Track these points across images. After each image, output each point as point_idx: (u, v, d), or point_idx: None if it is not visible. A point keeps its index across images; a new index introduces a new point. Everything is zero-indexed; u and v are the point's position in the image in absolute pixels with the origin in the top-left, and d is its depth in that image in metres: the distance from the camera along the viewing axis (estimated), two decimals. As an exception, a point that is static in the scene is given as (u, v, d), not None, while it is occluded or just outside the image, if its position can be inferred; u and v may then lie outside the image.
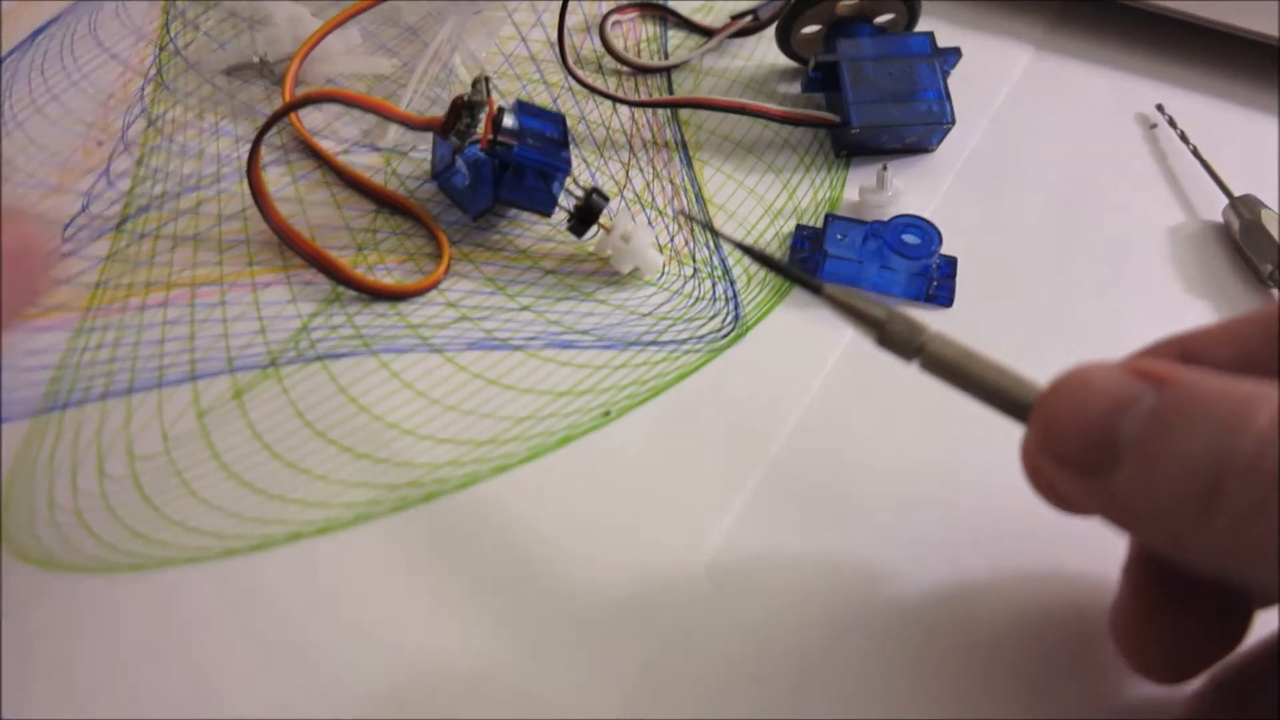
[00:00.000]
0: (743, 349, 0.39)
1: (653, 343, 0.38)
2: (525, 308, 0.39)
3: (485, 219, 0.42)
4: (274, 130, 0.45)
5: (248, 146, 0.39)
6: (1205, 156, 0.46)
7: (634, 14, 0.52)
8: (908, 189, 0.44)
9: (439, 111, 0.38)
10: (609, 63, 0.49)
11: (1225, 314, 0.41)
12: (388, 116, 0.39)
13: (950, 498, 0.34)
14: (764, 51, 0.51)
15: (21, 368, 0.37)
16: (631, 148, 0.46)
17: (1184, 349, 0.26)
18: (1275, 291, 0.41)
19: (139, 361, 0.37)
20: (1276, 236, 0.41)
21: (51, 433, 0.35)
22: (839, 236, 0.40)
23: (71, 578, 0.32)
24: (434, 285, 0.40)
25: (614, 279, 0.40)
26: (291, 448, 0.35)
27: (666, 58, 0.50)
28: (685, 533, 0.33)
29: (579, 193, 0.39)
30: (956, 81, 0.47)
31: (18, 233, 0.26)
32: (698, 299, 0.40)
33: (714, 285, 0.40)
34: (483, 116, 0.37)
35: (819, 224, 0.42)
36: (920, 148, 0.46)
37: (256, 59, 0.47)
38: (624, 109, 0.47)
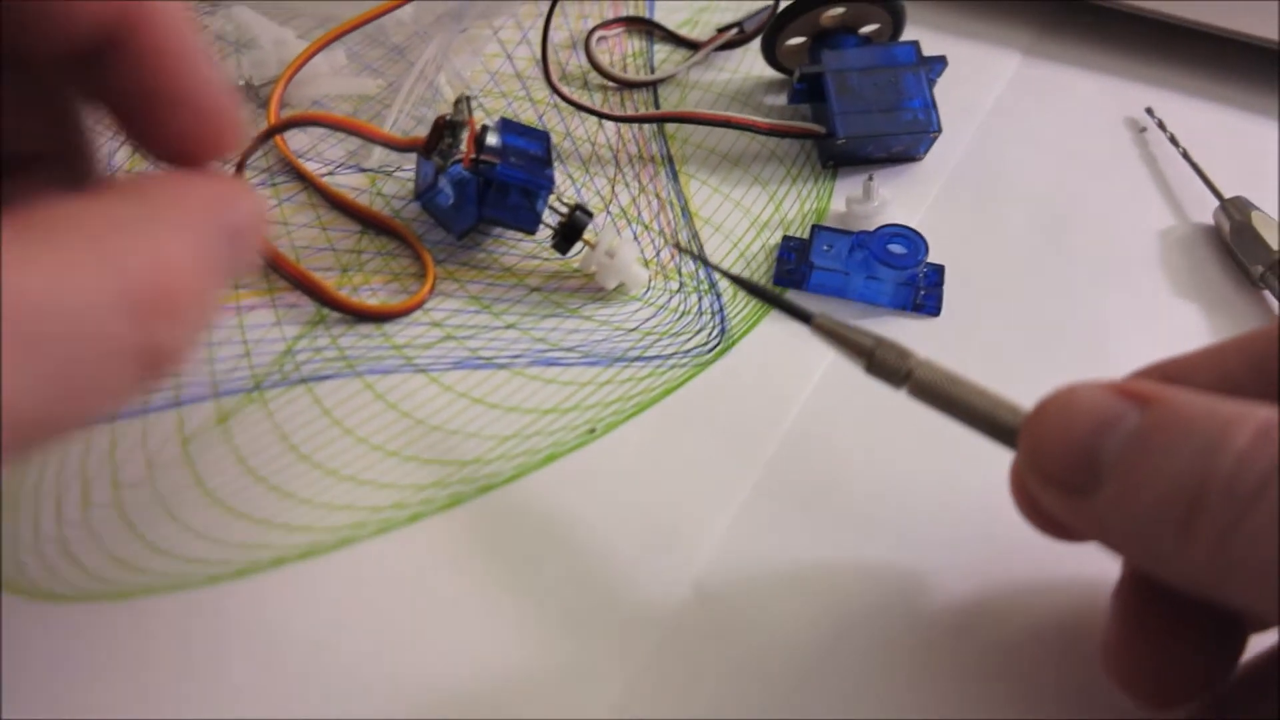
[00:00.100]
0: (729, 363, 0.38)
1: (638, 358, 0.38)
2: (510, 326, 0.39)
3: (470, 238, 0.42)
4: (259, 152, 0.45)
5: (232, 169, 0.39)
6: (1195, 159, 0.45)
7: (619, 29, 0.52)
8: (894, 198, 0.44)
9: (424, 131, 0.38)
10: (595, 78, 0.49)
11: (1217, 317, 0.40)
12: (370, 138, 0.39)
13: (940, 509, 0.34)
14: (750, 64, 0.51)
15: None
16: (617, 163, 0.46)
17: (1165, 375, 0.26)
18: (1266, 293, 0.41)
19: (124, 388, 0.37)
20: (1267, 238, 0.41)
21: (37, 461, 0.35)
22: (825, 248, 0.40)
23: (55, 607, 0.31)
24: (419, 305, 0.39)
25: (599, 295, 0.40)
26: (276, 471, 0.34)
27: (652, 72, 0.50)
28: (672, 550, 0.33)
29: (563, 209, 0.39)
30: (944, 89, 0.47)
31: (256, 200, 0.25)
32: (683, 313, 0.40)
33: (700, 299, 0.40)
34: (464, 136, 0.37)
35: (806, 235, 0.42)
36: (907, 157, 0.46)
37: (242, 82, 0.47)
38: (610, 124, 0.47)
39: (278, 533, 0.33)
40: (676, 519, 0.34)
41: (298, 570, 0.32)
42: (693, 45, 0.51)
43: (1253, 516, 0.20)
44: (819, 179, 0.45)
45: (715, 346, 0.39)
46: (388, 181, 0.44)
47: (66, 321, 0.19)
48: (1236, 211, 0.42)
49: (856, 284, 0.40)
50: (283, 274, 0.39)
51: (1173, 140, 0.47)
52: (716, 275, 0.41)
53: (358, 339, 0.38)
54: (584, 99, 0.48)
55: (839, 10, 0.46)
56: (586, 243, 0.39)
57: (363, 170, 0.44)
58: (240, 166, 0.39)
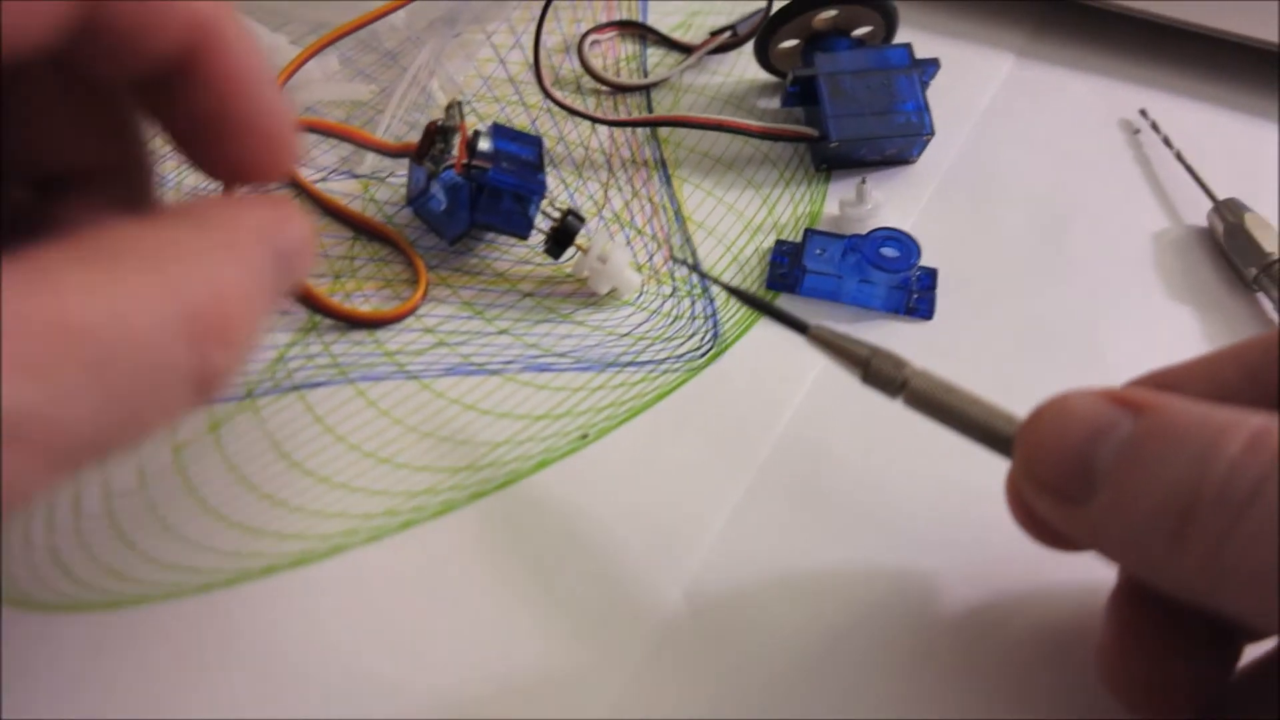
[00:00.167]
0: (722, 367, 0.38)
1: (631, 363, 0.38)
2: (503, 331, 0.39)
3: (462, 243, 0.42)
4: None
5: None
6: (1189, 160, 0.45)
7: (612, 33, 0.52)
8: (888, 201, 0.44)
9: (417, 137, 0.38)
10: (588, 82, 0.49)
11: (1210, 319, 0.40)
12: (362, 144, 0.39)
13: (933, 513, 0.34)
14: (743, 67, 0.51)
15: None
16: (610, 167, 0.46)
17: (1160, 384, 0.27)
18: (1260, 295, 0.41)
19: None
20: (1261, 240, 0.41)
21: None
22: (818, 251, 0.40)
23: (47, 617, 0.31)
24: (411, 311, 0.39)
25: (592, 300, 0.40)
26: (267, 479, 0.34)
27: (646, 76, 0.50)
28: (666, 555, 0.33)
29: (555, 215, 0.39)
30: (938, 92, 0.47)
31: (305, 224, 0.26)
32: (676, 318, 0.40)
33: (693, 303, 0.40)
34: (456, 141, 0.37)
35: (799, 239, 0.42)
36: (901, 159, 0.46)
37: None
38: (603, 128, 0.47)
39: (269, 541, 0.33)
40: (670, 524, 0.34)
41: (290, 578, 0.32)
42: (686, 49, 0.51)
43: (1244, 525, 0.20)
44: (812, 182, 0.45)
45: (708, 351, 0.39)
46: (380, 187, 0.44)
47: (129, 347, 0.19)
48: (1230, 213, 0.42)
49: (849, 288, 0.40)
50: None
51: (1166, 142, 0.47)
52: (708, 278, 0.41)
53: (350, 346, 0.38)
54: (577, 103, 0.48)
55: (832, 13, 0.46)
56: (579, 248, 0.39)
57: (355, 176, 0.44)
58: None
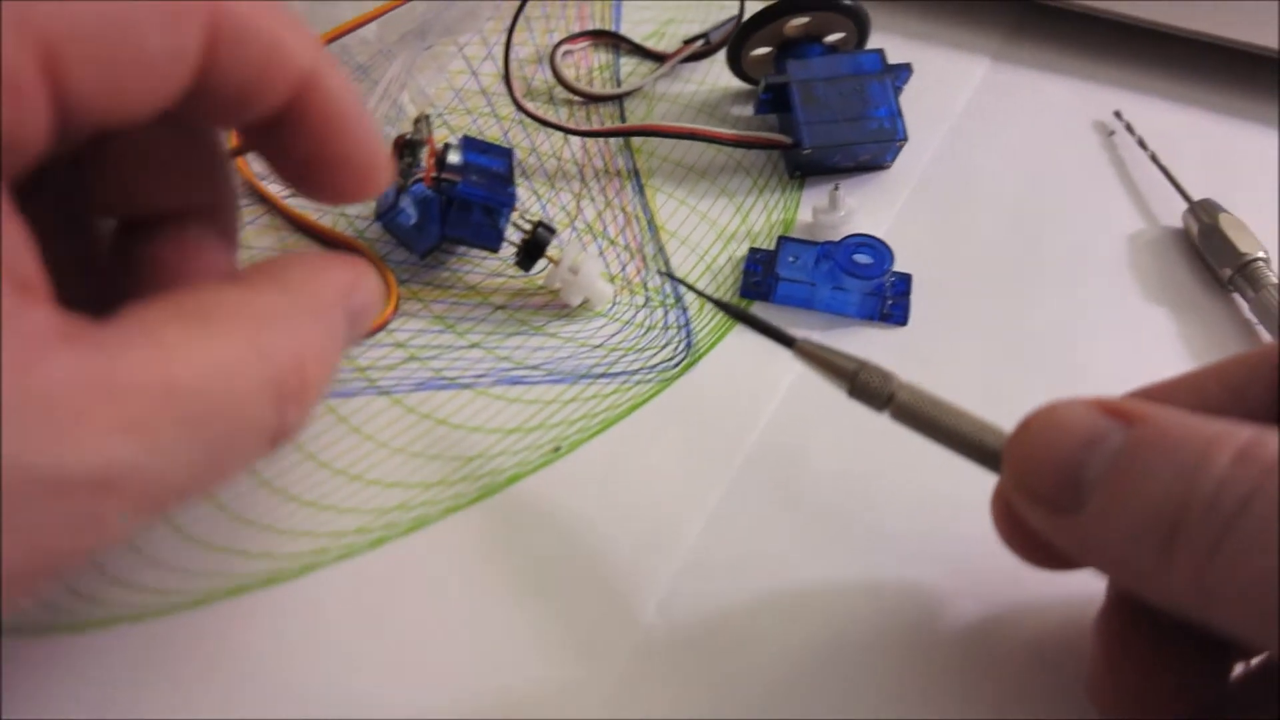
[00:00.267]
0: (695, 377, 0.38)
1: (603, 375, 0.38)
2: (474, 345, 0.39)
3: (433, 256, 0.41)
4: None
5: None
6: (1163, 162, 0.45)
7: (585, 43, 0.52)
8: (862, 207, 0.43)
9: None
10: (561, 92, 0.49)
11: (1186, 320, 0.40)
12: (330, 158, 0.39)
13: (909, 522, 0.34)
14: (717, 75, 0.51)
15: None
16: (583, 178, 0.45)
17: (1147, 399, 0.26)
18: (1236, 295, 0.41)
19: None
20: (1235, 240, 0.41)
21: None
22: (791, 259, 0.40)
23: (8, 640, 0.31)
24: (382, 326, 0.39)
25: (564, 312, 0.40)
26: (235, 498, 0.34)
27: (619, 85, 0.50)
28: (638, 568, 0.33)
29: (526, 227, 0.39)
30: (912, 96, 0.47)
31: (376, 284, 0.29)
32: (649, 328, 0.40)
33: (666, 313, 0.40)
34: (423, 155, 0.37)
35: (772, 247, 0.41)
36: (875, 165, 0.46)
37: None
38: (576, 139, 0.47)
39: (238, 560, 0.33)
40: (644, 536, 0.33)
41: (259, 598, 0.32)
42: (659, 58, 0.51)
43: (1233, 538, 0.20)
44: (786, 189, 0.45)
45: (681, 361, 0.38)
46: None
47: (221, 407, 0.21)
48: (1205, 214, 0.42)
49: (823, 295, 0.40)
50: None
51: (1141, 143, 0.46)
52: (683, 289, 0.41)
53: (320, 362, 0.38)
54: (549, 114, 0.47)
55: (803, 20, 0.46)
56: (550, 259, 0.39)
57: (324, 191, 0.44)
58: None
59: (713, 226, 0.43)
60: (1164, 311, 0.41)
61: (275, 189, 0.44)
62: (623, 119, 0.49)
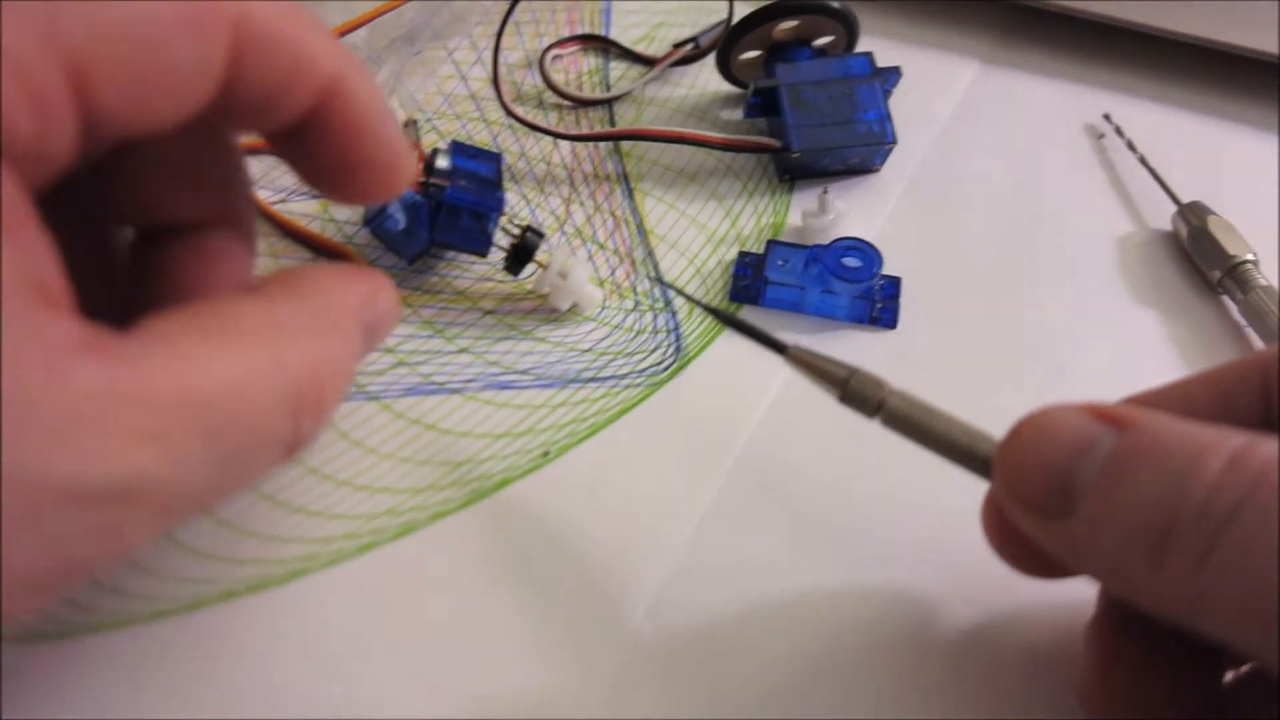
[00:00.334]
0: (684, 381, 0.38)
1: (593, 379, 0.38)
2: (464, 350, 0.39)
3: (422, 262, 0.41)
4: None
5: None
6: (1153, 164, 0.45)
7: (575, 47, 0.52)
8: (851, 211, 0.43)
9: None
10: (550, 97, 0.49)
11: (1176, 323, 0.40)
12: (318, 164, 0.39)
13: (900, 525, 0.34)
14: (706, 79, 0.51)
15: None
16: (572, 182, 0.45)
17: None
18: (1225, 298, 0.41)
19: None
20: (1224, 243, 0.41)
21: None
22: (780, 262, 0.40)
23: (-1, 648, 0.31)
24: (373, 331, 0.39)
25: (553, 316, 0.40)
26: (222, 504, 0.34)
27: (608, 89, 0.50)
28: (627, 573, 0.33)
29: (515, 231, 0.38)
30: (902, 100, 0.47)
31: (393, 296, 0.29)
32: (638, 332, 0.39)
33: (655, 317, 0.40)
34: (412, 160, 0.37)
35: (762, 250, 0.41)
36: (865, 169, 0.46)
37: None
38: (565, 143, 0.47)
39: (226, 566, 0.32)
40: (633, 541, 0.33)
41: (248, 604, 0.32)
42: (649, 62, 0.51)
43: (1223, 546, 0.20)
44: (775, 193, 0.45)
45: (670, 365, 0.38)
46: (339, 207, 0.44)
47: (240, 418, 0.22)
48: (1194, 217, 0.42)
49: (812, 298, 0.40)
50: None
51: (1130, 146, 0.46)
52: (672, 293, 0.41)
53: (309, 367, 0.38)
54: (539, 118, 0.47)
55: (792, 23, 0.46)
56: (539, 264, 0.39)
57: (314, 197, 0.44)
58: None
59: (702, 230, 0.43)
60: (1153, 314, 0.41)
61: (264, 194, 0.44)
62: (612, 123, 0.49)
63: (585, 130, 0.48)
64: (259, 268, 0.40)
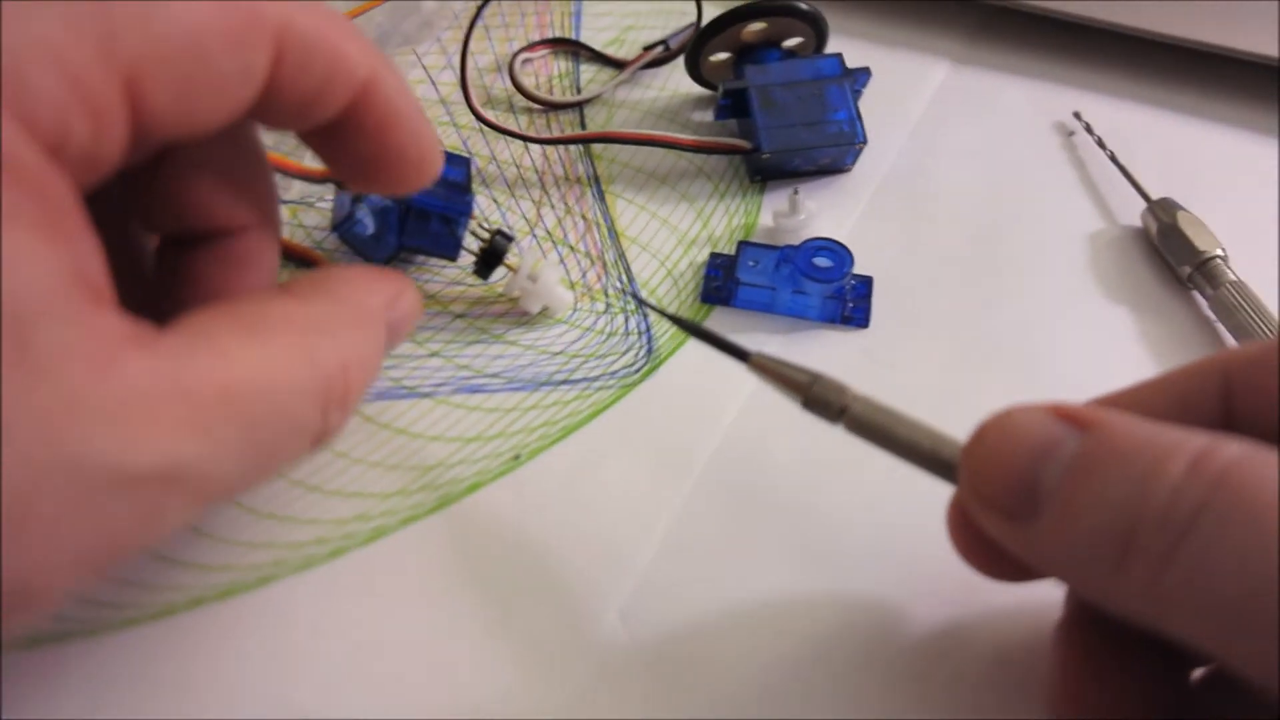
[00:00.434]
0: (656, 383, 0.38)
1: (564, 382, 0.38)
2: (434, 354, 0.39)
3: (392, 266, 0.41)
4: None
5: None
6: (1122, 161, 0.45)
7: (545, 51, 0.52)
8: (823, 211, 0.43)
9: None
10: (521, 100, 0.49)
11: (1147, 319, 0.40)
12: (287, 172, 0.39)
13: (872, 527, 0.34)
14: (677, 81, 0.51)
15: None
16: (543, 185, 0.45)
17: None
18: (1195, 293, 0.41)
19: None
20: (1193, 238, 0.41)
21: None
22: (751, 263, 0.40)
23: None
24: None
25: (524, 319, 0.40)
26: (181, 529, 0.34)
27: (579, 92, 0.50)
28: (599, 575, 0.33)
29: (484, 234, 0.38)
30: (873, 100, 0.47)
31: (416, 296, 0.30)
32: (610, 334, 0.39)
33: (626, 319, 0.40)
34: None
35: (733, 251, 0.41)
36: (836, 169, 0.46)
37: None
38: (535, 146, 0.47)
39: (194, 573, 0.32)
40: (605, 543, 0.33)
41: (217, 610, 0.32)
42: (619, 64, 0.51)
43: (1184, 551, 0.20)
44: (747, 194, 0.45)
45: (642, 367, 0.38)
46: (309, 213, 0.43)
47: (277, 410, 0.23)
48: (1163, 213, 0.42)
49: (784, 299, 0.40)
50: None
51: (1100, 143, 0.47)
52: (645, 294, 0.41)
53: (278, 373, 0.38)
54: (509, 122, 0.47)
55: (761, 25, 0.46)
56: (509, 267, 0.39)
57: (283, 202, 0.44)
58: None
59: (673, 232, 0.43)
60: (1124, 310, 0.41)
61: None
62: (583, 126, 0.49)
63: (556, 133, 0.48)
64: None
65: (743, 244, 0.41)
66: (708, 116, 0.49)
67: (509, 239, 0.38)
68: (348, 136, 0.27)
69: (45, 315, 0.19)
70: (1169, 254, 0.42)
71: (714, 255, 0.42)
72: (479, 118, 0.45)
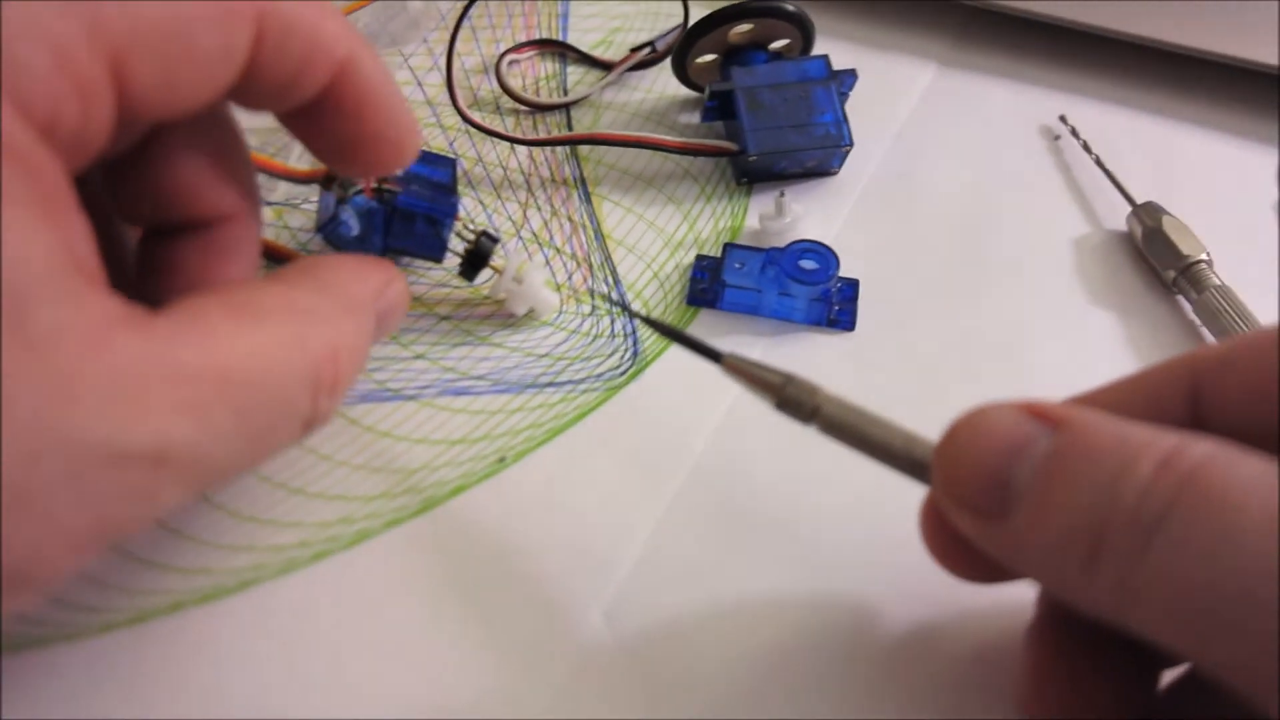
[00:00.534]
0: (642, 385, 0.38)
1: (549, 384, 0.38)
2: (419, 356, 0.38)
3: (378, 266, 0.41)
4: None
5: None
6: (1108, 165, 0.46)
7: (531, 52, 0.52)
8: (809, 213, 0.43)
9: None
10: (508, 102, 0.49)
11: (1132, 323, 0.40)
12: (271, 173, 0.38)
13: (856, 531, 0.34)
14: (664, 83, 0.51)
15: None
16: (529, 187, 0.45)
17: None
18: (1180, 297, 0.41)
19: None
20: (1178, 243, 0.41)
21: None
22: (737, 265, 0.40)
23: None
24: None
25: (510, 321, 0.40)
26: (173, 513, 0.33)
27: (566, 94, 0.50)
28: (583, 577, 0.32)
29: (470, 236, 0.38)
30: (860, 102, 0.47)
31: (404, 287, 0.31)
32: (595, 336, 0.39)
33: (612, 322, 0.40)
34: (363, 165, 0.37)
35: (719, 253, 0.41)
36: (822, 171, 0.46)
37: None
38: (522, 148, 0.47)
39: (175, 576, 0.32)
40: (589, 545, 0.33)
41: (198, 614, 0.31)
42: (606, 66, 0.51)
43: (1153, 551, 0.20)
44: (733, 196, 0.45)
45: (628, 370, 0.38)
46: (294, 214, 0.43)
47: (268, 394, 0.23)
48: (1148, 217, 0.42)
49: (769, 301, 0.40)
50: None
51: (1085, 147, 0.47)
52: (630, 297, 0.41)
53: (262, 375, 0.38)
54: (496, 123, 0.47)
55: (747, 27, 0.46)
56: (494, 269, 0.38)
57: (269, 204, 0.43)
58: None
59: (660, 234, 0.43)
60: (1109, 314, 0.41)
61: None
62: (569, 127, 0.49)
63: (542, 135, 0.48)
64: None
65: (729, 246, 0.41)
66: (694, 118, 0.49)
67: (494, 240, 0.38)
68: (326, 117, 0.27)
69: (42, 294, 0.19)
70: (1154, 258, 0.42)
71: (700, 257, 0.42)
72: (465, 119, 0.45)
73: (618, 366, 0.38)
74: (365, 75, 0.27)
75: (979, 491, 0.23)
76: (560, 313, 0.40)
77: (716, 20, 0.45)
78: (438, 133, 0.47)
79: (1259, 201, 0.45)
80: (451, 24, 0.47)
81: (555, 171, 0.46)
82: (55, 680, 0.30)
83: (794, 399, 0.27)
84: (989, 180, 0.46)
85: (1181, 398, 0.25)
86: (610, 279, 0.41)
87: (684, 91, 0.50)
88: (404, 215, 0.38)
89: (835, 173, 0.46)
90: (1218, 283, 0.39)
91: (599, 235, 0.43)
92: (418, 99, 0.49)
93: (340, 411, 0.36)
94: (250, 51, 0.24)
